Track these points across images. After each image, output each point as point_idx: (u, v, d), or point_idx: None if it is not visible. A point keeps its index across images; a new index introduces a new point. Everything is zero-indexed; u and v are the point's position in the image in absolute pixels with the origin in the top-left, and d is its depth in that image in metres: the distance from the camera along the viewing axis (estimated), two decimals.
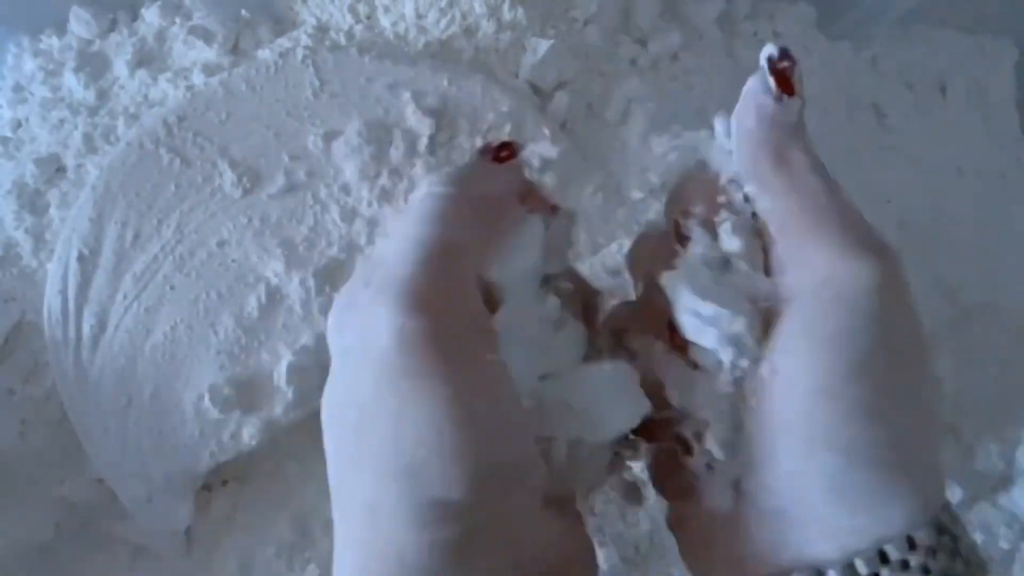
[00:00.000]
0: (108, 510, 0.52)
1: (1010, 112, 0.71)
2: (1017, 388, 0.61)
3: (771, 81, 0.23)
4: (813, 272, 0.22)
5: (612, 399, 0.25)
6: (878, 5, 0.63)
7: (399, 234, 0.23)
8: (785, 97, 0.23)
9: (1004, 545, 0.53)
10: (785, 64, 0.24)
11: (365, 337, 0.21)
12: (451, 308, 0.21)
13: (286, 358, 0.50)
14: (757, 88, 0.24)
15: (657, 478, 0.27)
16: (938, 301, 0.62)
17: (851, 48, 0.65)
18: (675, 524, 0.26)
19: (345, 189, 0.52)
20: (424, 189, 0.24)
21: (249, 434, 0.50)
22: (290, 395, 0.50)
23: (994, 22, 0.70)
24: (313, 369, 0.50)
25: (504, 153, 0.26)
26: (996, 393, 0.61)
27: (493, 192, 0.25)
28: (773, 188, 0.23)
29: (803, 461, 0.21)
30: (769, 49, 0.24)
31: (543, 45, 0.53)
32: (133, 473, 0.50)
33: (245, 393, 0.50)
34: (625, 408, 0.25)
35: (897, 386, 0.21)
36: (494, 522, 0.21)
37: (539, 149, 0.29)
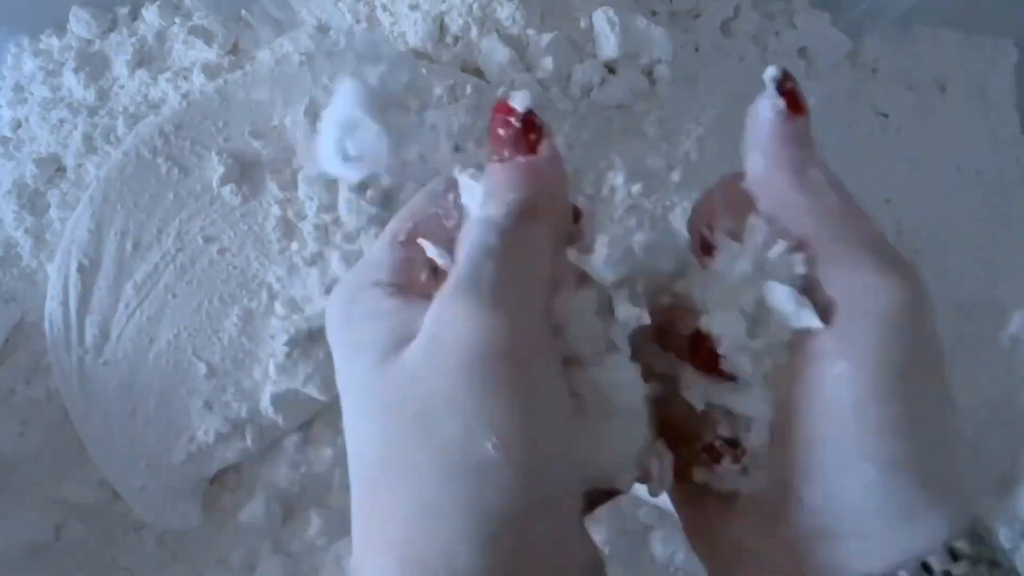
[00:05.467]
0: (108, 510, 0.52)
1: (1010, 112, 0.71)
2: (1018, 388, 0.61)
3: (780, 101, 0.23)
4: (844, 291, 0.22)
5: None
6: (878, 5, 0.63)
7: (470, 232, 0.22)
8: (795, 115, 0.23)
9: (1006, 544, 0.53)
10: (791, 84, 0.23)
11: (439, 334, 0.20)
12: (527, 307, 0.21)
13: None
14: (766, 109, 0.23)
15: (678, 495, 0.26)
16: (938, 301, 0.62)
17: (851, 48, 0.65)
18: (697, 540, 0.25)
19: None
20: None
21: (252, 437, 0.50)
22: None
23: (994, 22, 0.70)
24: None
25: (532, 136, 0.23)
26: (997, 393, 0.61)
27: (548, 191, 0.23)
28: (794, 207, 0.23)
29: (843, 476, 0.21)
30: (772, 70, 0.24)
31: (544, 40, 0.53)
32: (140, 479, 0.50)
33: (248, 398, 0.50)
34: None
35: (929, 400, 0.21)
36: (542, 540, 0.20)
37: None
